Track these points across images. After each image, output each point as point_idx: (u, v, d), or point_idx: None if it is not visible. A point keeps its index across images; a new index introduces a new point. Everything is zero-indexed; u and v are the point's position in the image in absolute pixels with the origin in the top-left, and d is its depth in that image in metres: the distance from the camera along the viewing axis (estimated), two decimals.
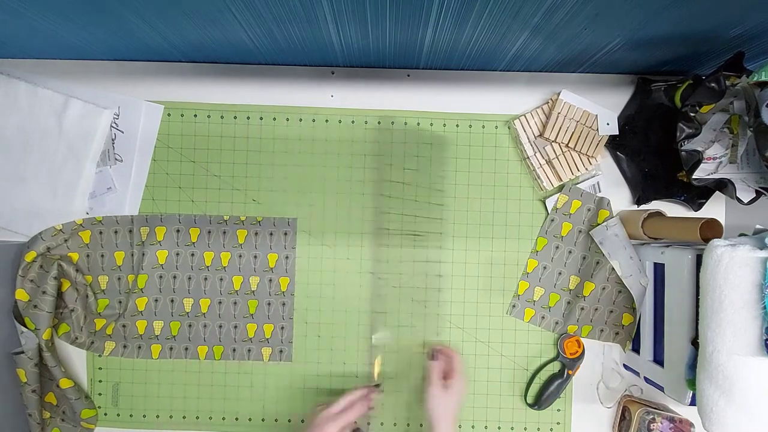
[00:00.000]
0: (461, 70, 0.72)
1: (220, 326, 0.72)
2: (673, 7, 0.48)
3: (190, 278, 0.71)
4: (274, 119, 0.72)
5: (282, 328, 0.72)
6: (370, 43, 0.61)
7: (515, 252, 0.72)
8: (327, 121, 0.72)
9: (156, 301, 0.71)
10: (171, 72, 0.71)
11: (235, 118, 0.72)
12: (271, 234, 0.72)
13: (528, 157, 0.70)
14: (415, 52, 0.64)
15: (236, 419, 0.73)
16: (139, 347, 0.72)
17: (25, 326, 0.66)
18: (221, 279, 0.71)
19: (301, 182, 0.72)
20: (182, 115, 0.72)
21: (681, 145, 0.60)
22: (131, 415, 0.73)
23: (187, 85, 0.72)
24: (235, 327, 0.72)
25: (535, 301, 0.72)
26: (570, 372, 0.71)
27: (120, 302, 0.72)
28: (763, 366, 0.47)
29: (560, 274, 0.72)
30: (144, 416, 0.73)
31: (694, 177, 0.60)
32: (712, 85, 0.56)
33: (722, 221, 0.66)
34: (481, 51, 0.63)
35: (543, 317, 0.72)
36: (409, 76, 0.72)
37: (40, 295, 0.66)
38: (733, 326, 0.48)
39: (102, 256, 0.71)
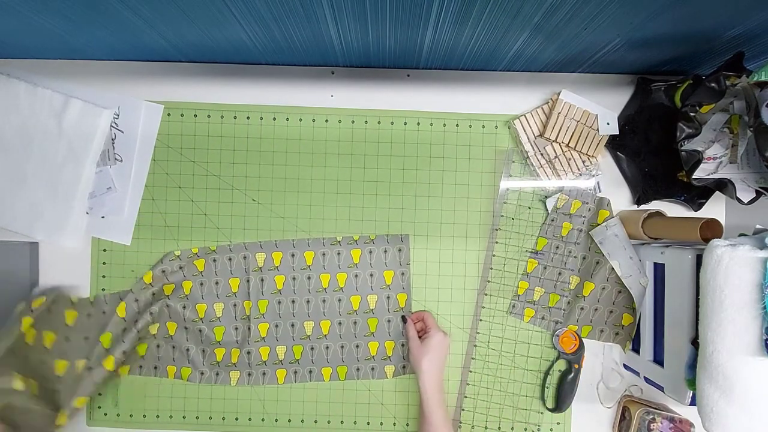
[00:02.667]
0: (461, 70, 0.72)
1: (342, 347, 0.72)
2: (673, 7, 0.48)
3: (308, 301, 0.72)
4: (274, 119, 0.72)
5: (402, 345, 0.72)
6: (370, 43, 0.61)
7: (515, 252, 0.72)
8: (327, 121, 0.72)
9: (276, 326, 0.72)
10: (171, 72, 0.71)
11: (235, 118, 0.72)
12: (386, 251, 0.72)
13: (528, 157, 0.70)
14: (415, 52, 0.64)
15: (236, 419, 0.73)
16: (264, 373, 0.72)
17: (100, 340, 0.68)
18: (339, 300, 0.72)
19: (301, 182, 0.72)
20: (182, 115, 0.72)
21: (681, 145, 0.60)
22: (131, 415, 0.73)
23: (187, 85, 0.72)
24: (357, 346, 0.72)
25: (535, 301, 0.72)
26: (576, 366, 0.71)
27: (236, 329, 0.72)
28: (763, 366, 0.47)
29: (560, 274, 0.72)
30: (144, 416, 0.73)
31: (694, 177, 0.60)
32: (712, 85, 0.56)
33: (722, 221, 0.66)
34: (481, 51, 0.63)
35: (543, 317, 0.72)
36: (409, 76, 0.72)
37: (131, 325, 0.68)
38: (733, 326, 0.48)
39: (216, 283, 0.71)
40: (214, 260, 0.71)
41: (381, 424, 0.73)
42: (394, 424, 0.73)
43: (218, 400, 0.73)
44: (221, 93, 0.72)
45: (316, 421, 0.73)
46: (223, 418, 0.73)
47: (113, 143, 0.71)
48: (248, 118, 0.72)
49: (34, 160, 0.70)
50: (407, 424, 0.73)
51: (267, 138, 0.72)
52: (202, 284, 0.71)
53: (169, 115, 0.72)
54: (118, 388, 0.72)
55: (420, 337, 0.68)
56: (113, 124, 0.71)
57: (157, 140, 0.72)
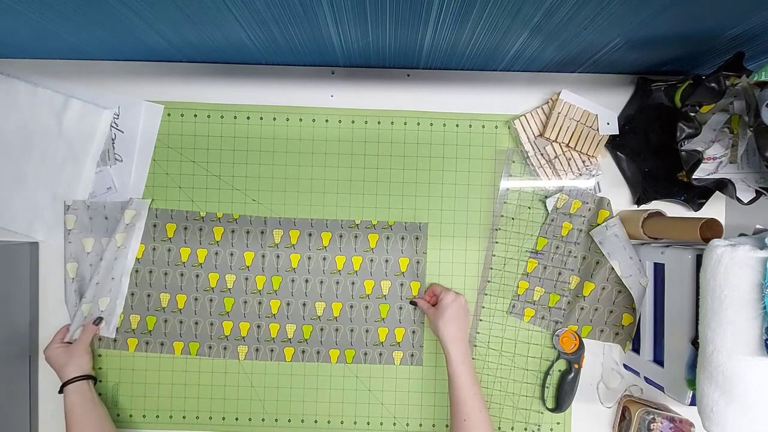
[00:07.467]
0: (461, 70, 0.72)
1: (352, 330, 0.72)
2: (673, 7, 0.48)
3: (322, 282, 0.72)
4: (274, 119, 0.72)
5: (413, 332, 0.72)
6: (370, 43, 0.61)
7: (515, 252, 0.72)
8: (327, 121, 0.72)
9: (288, 304, 0.72)
10: (171, 72, 0.71)
11: (235, 118, 0.72)
12: (403, 238, 0.72)
13: (528, 157, 0.70)
14: (415, 52, 0.64)
15: (236, 419, 0.73)
16: (272, 350, 0.72)
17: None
18: (353, 283, 0.72)
19: (302, 182, 0.72)
20: (182, 115, 0.72)
21: (681, 145, 0.60)
22: (131, 415, 0.73)
23: (187, 85, 0.72)
24: (367, 331, 0.72)
25: (535, 301, 0.72)
26: (576, 366, 0.71)
27: (245, 302, 0.72)
28: (763, 366, 0.47)
29: (560, 274, 0.72)
30: (144, 416, 0.73)
31: (694, 177, 0.60)
32: (712, 85, 0.56)
33: (722, 221, 0.66)
34: (481, 51, 0.63)
35: (543, 317, 0.72)
36: (409, 76, 0.72)
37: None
38: (733, 326, 0.48)
39: (231, 254, 0.72)
40: (233, 231, 0.72)
41: (381, 424, 0.73)
42: (394, 424, 0.73)
43: (218, 400, 0.73)
44: (221, 93, 0.72)
45: (316, 421, 0.73)
46: (223, 418, 0.73)
47: (113, 143, 0.71)
48: (248, 118, 0.72)
49: (34, 160, 0.70)
50: (407, 424, 0.73)
51: (267, 138, 0.72)
52: (216, 254, 0.72)
53: (169, 115, 0.72)
54: (118, 388, 0.72)
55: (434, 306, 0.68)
56: (113, 124, 0.71)
57: (157, 140, 0.72)
